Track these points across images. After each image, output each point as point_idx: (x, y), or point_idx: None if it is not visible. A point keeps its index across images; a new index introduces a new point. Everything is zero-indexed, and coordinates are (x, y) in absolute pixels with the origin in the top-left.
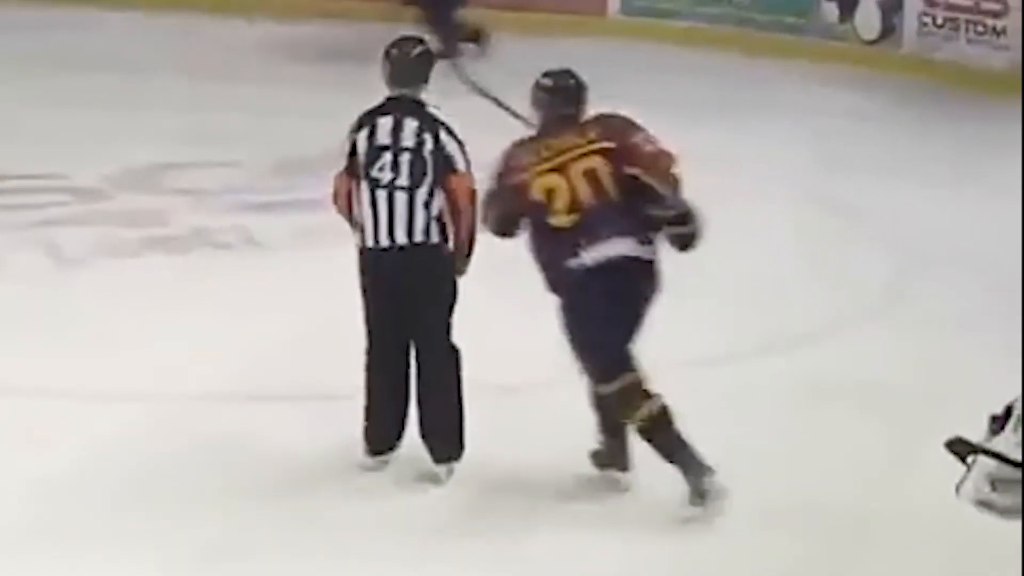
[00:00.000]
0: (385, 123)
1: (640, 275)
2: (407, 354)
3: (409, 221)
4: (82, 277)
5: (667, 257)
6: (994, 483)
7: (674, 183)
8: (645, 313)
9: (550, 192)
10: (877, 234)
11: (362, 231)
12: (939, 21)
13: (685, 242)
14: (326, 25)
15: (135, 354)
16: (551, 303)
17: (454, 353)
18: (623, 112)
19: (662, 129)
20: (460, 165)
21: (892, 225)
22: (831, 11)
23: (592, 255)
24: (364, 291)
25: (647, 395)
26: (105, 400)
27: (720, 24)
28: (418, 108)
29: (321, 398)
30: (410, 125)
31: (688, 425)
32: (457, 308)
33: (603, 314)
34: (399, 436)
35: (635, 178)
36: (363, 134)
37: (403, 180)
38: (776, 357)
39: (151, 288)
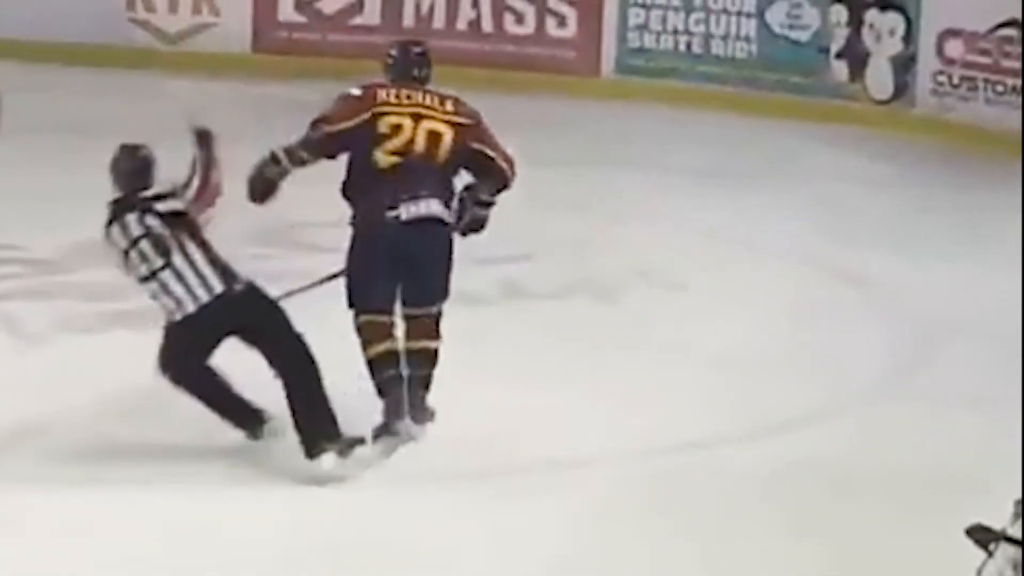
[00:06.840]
0: (115, 230)
1: (441, 234)
2: None
3: (208, 278)
4: (42, 353)
5: (667, 331)
6: (1018, 568)
7: (513, 170)
8: (441, 269)
9: (394, 129)
10: (887, 307)
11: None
12: (955, 80)
13: (475, 227)
14: (290, 84)
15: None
16: None
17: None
18: (613, 176)
19: (659, 194)
20: (181, 206)
21: (904, 298)
22: (840, 69)
23: (408, 210)
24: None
25: (386, 337)
26: (66, 484)
27: (721, 84)
28: (129, 201)
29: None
30: (131, 218)
31: (686, 511)
32: None
33: (399, 262)
34: None
35: (479, 155)
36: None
37: (159, 262)
38: (780, 436)
39: (113, 365)
